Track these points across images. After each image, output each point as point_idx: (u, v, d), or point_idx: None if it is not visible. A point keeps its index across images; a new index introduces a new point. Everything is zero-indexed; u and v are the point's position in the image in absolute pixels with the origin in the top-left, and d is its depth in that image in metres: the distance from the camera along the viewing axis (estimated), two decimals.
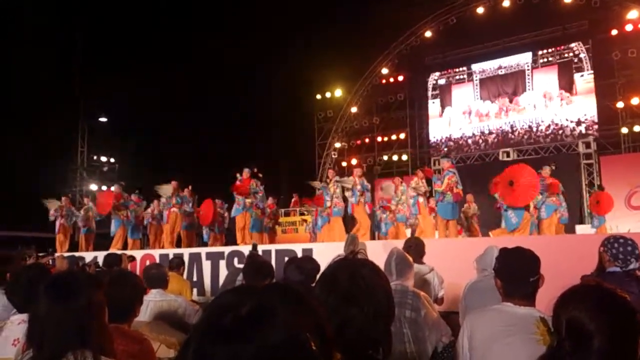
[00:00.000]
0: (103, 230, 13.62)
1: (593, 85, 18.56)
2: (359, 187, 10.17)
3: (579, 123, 18.65)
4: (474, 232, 12.64)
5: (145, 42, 22.67)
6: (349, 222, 10.67)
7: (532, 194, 9.32)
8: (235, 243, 11.07)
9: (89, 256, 10.23)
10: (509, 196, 9.18)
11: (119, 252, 7.88)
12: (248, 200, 11.12)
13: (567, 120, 18.89)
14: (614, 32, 17.79)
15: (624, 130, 17.86)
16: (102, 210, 12.64)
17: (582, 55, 18.84)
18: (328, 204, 10.59)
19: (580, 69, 18.88)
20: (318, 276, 1.59)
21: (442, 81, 21.77)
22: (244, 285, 0.98)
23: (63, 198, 13.24)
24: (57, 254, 9.10)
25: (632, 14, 17.27)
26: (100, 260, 7.97)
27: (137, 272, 6.14)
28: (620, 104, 17.89)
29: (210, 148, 22.41)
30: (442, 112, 21.64)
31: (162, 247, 11.65)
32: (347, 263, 1.59)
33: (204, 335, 0.84)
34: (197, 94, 23.22)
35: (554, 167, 10.84)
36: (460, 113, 21.24)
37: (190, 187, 12.36)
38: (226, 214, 12.92)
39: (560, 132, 18.95)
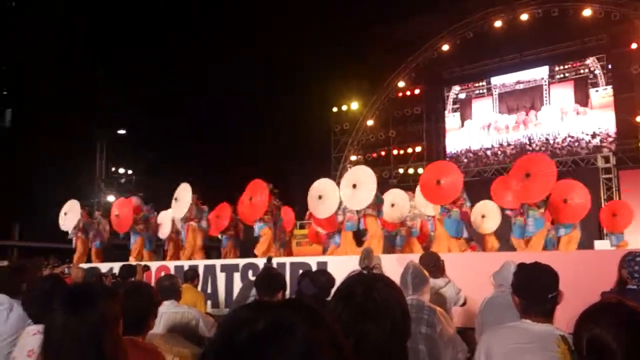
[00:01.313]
0: (119, 241, 13.63)
1: (608, 100, 18.53)
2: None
3: (594, 136, 18.63)
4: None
5: (165, 56, 22.96)
6: (361, 235, 10.49)
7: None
8: (249, 256, 10.94)
9: (104, 267, 10.27)
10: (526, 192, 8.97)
11: (134, 262, 7.88)
12: (267, 216, 10.95)
13: (582, 132, 18.93)
14: (634, 45, 17.63)
15: None
16: (121, 229, 12.35)
17: (597, 72, 18.84)
18: (340, 218, 10.45)
19: (595, 85, 18.91)
20: (333, 290, 1.58)
21: (462, 95, 21.81)
22: (259, 301, 0.97)
23: (81, 211, 13.18)
24: (72, 264, 9.13)
25: None
26: (116, 271, 7.97)
27: (152, 283, 6.16)
28: (639, 118, 17.69)
29: (227, 161, 22.53)
30: (462, 124, 21.68)
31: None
32: (363, 278, 1.58)
33: (219, 351, 0.83)
34: (214, 108, 23.41)
35: None
36: (479, 126, 21.32)
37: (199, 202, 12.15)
38: (241, 226, 12.80)
39: (576, 144, 18.94)
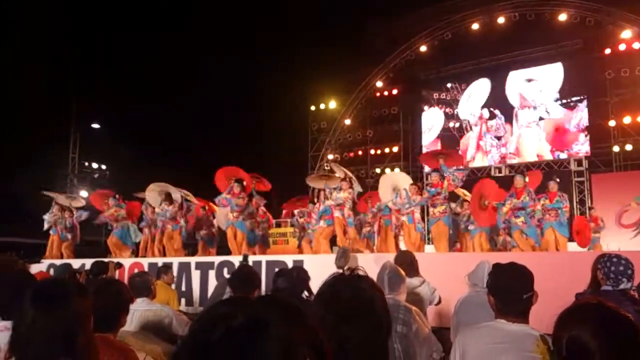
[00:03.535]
0: (91, 237, 13.43)
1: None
2: (350, 202, 9.96)
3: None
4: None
5: (140, 50, 22.72)
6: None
7: None
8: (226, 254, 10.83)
9: (75, 263, 10.08)
10: None
11: (106, 259, 7.75)
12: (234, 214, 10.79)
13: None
14: (608, 51, 17.95)
15: (616, 148, 17.97)
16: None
17: None
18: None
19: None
20: (316, 291, 1.58)
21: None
22: (236, 297, 0.94)
23: (56, 205, 12.94)
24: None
25: (625, 34, 17.45)
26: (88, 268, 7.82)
27: (125, 280, 6.06)
28: (612, 123, 18.01)
29: (202, 157, 22.38)
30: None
31: (153, 255, 11.43)
32: (347, 278, 1.60)
33: (195, 347, 0.81)
34: (190, 103, 23.24)
35: (558, 180, 10.46)
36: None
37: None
38: (216, 224, 12.61)
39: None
